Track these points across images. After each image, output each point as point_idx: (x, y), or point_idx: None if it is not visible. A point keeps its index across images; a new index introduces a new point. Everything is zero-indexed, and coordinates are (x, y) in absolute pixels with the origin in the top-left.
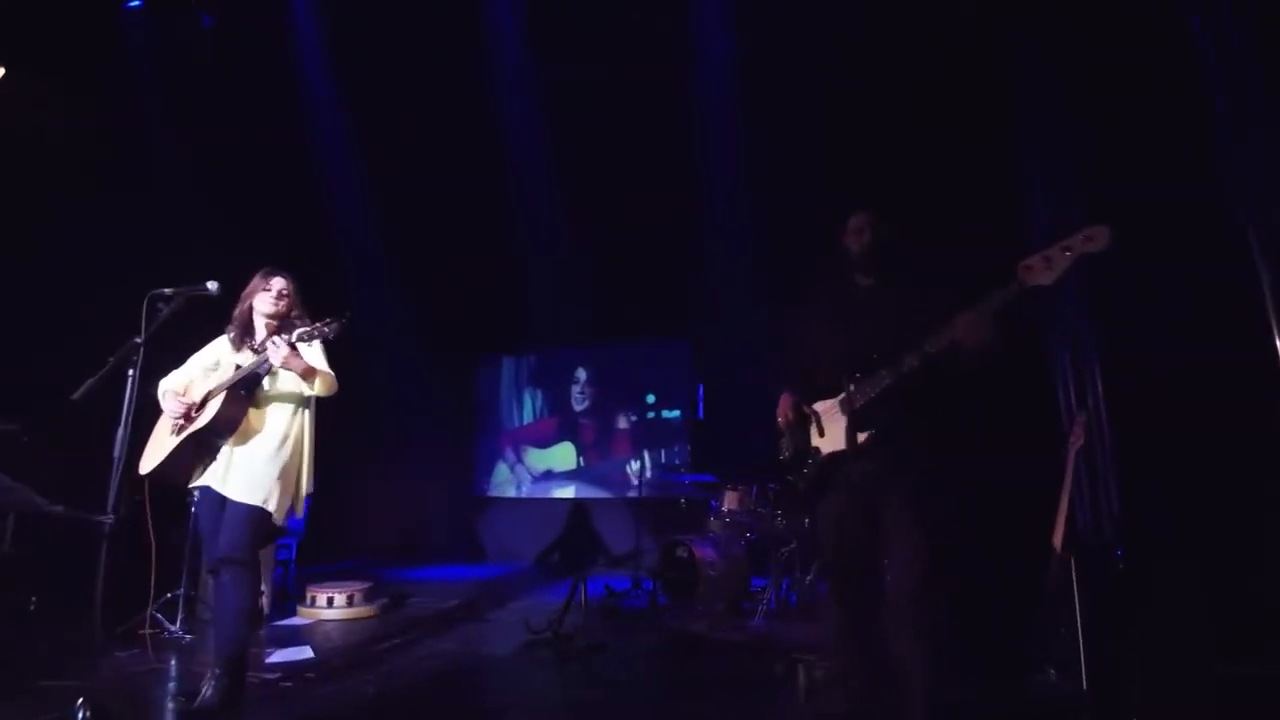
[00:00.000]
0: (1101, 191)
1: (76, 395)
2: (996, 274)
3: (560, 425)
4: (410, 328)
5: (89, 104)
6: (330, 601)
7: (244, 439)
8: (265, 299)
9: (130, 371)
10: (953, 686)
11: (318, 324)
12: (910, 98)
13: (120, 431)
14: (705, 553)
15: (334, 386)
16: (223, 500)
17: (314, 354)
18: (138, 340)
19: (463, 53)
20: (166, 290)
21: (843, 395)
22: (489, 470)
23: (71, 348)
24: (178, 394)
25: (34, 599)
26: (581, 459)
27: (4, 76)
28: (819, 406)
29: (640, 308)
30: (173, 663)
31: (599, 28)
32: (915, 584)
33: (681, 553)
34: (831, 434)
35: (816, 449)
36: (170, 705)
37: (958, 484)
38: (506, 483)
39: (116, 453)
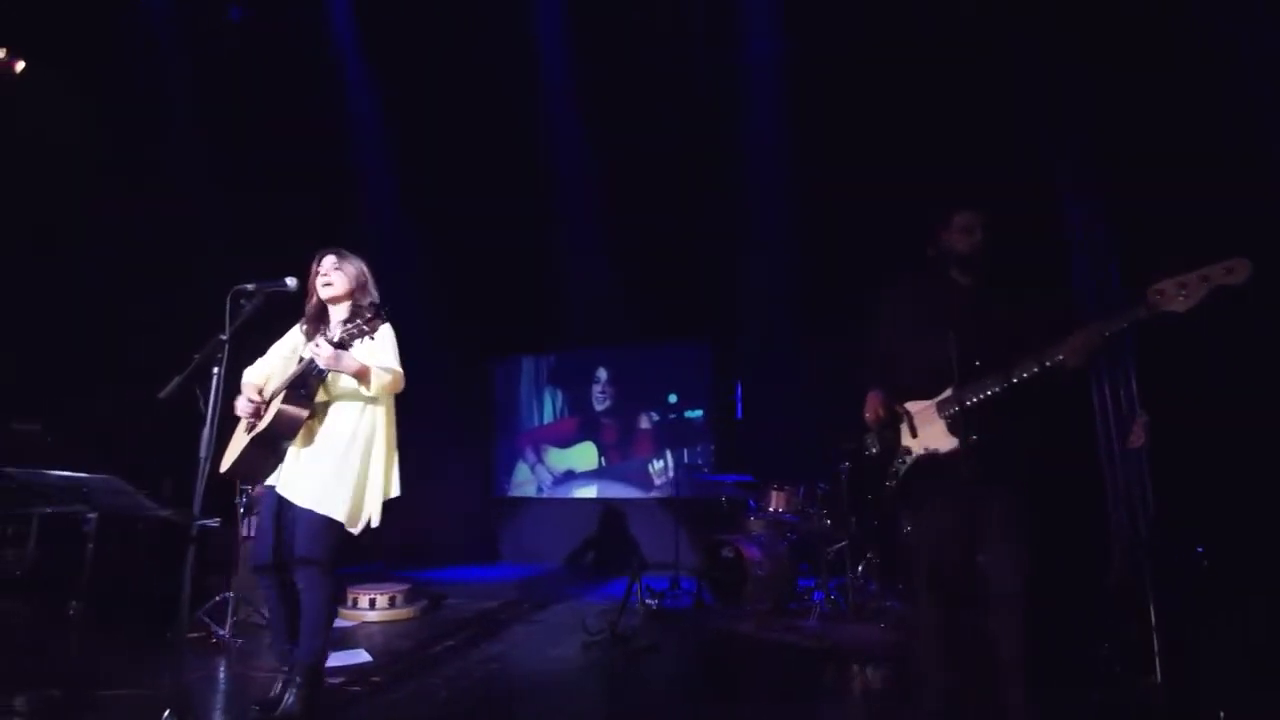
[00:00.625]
0: (1132, 192)
1: (163, 393)
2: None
3: (581, 425)
4: (427, 326)
5: (109, 99)
6: (373, 603)
7: (308, 441)
8: (318, 283)
9: (215, 370)
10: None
11: (356, 321)
12: (953, 108)
13: (205, 431)
14: (752, 552)
15: (395, 385)
16: (284, 503)
17: (375, 351)
18: (222, 337)
19: (496, 47)
20: (249, 286)
21: (942, 397)
22: (509, 470)
23: (103, 346)
24: (256, 388)
25: (74, 603)
26: (603, 459)
27: (24, 70)
28: (911, 407)
29: (661, 309)
30: (221, 668)
31: (640, 26)
32: (1017, 587)
33: (727, 552)
34: (926, 435)
35: (908, 449)
36: (248, 714)
37: (1054, 490)
38: (527, 483)
39: (202, 453)
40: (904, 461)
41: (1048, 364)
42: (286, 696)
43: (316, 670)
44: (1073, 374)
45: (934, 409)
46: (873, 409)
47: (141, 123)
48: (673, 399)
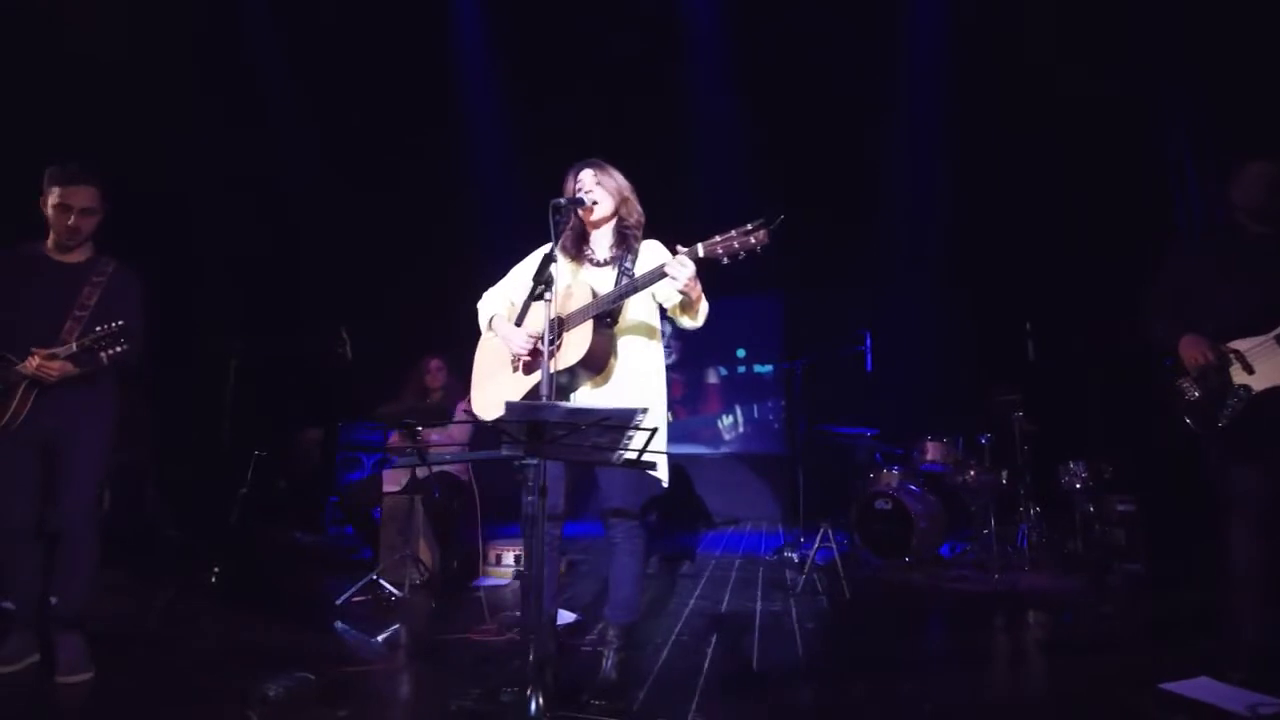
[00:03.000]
0: None
1: (517, 319)
2: None
3: None
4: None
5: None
6: (518, 560)
7: (607, 379)
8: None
9: (546, 295)
10: None
11: (736, 232)
12: None
13: (544, 368)
14: (914, 506)
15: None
16: None
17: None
18: (552, 255)
19: None
20: (561, 200)
21: (1277, 332)
22: None
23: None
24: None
25: (216, 570)
26: (669, 414)
27: None
28: (1240, 345)
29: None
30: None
31: None
32: None
33: (882, 504)
34: (1265, 370)
35: (1245, 386)
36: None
37: None
38: None
39: (544, 391)
40: (1239, 399)
41: None
42: (604, 663)
43: (631, 629)
44: None
45: (1273, 343)
46: (1200, 353)
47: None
48: (741, 354)
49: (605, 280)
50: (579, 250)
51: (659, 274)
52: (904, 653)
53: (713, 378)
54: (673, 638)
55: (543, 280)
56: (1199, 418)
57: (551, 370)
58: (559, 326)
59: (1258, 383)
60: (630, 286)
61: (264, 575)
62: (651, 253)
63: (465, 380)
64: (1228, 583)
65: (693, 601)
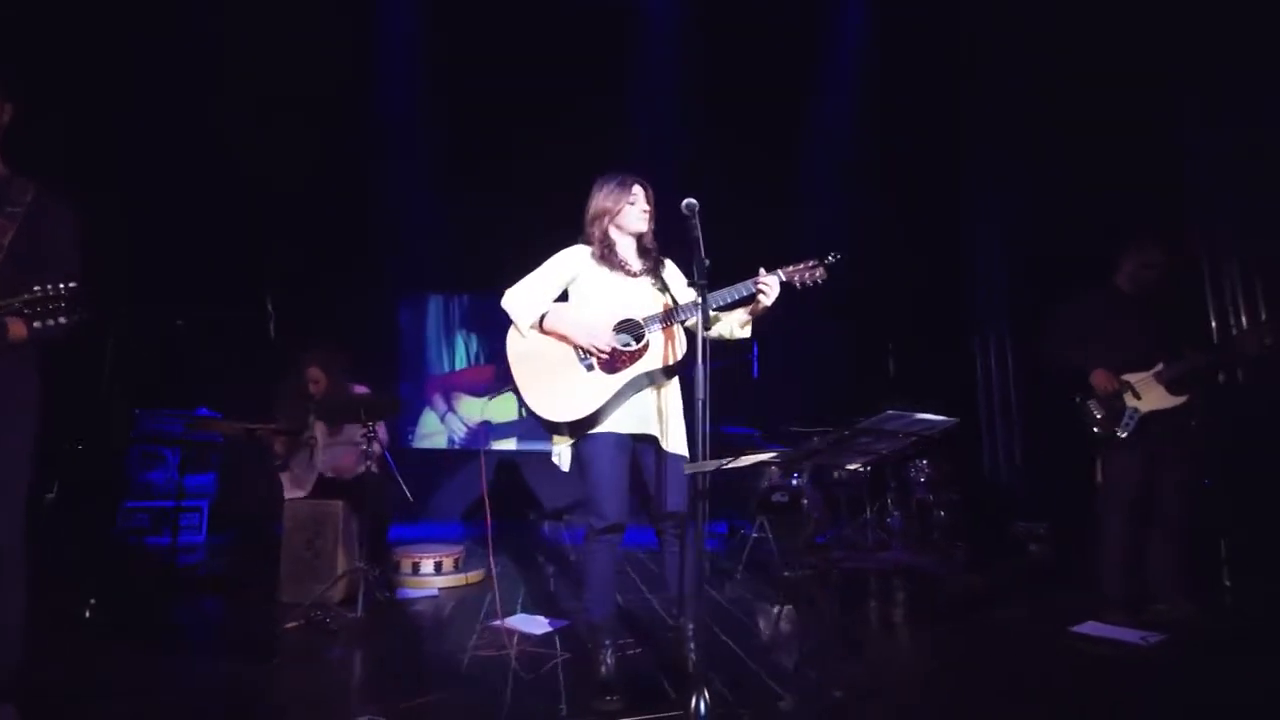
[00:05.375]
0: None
1: (693, 324)
2: None
3: (500, 373)
4: (328, 264)
5: None
6: (439, 567)
7: (670, 382)
8: (633, 215)
9: (698, 298)
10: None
11: (804, 265)
12: None
13: (700, 370)
14: (813, 497)
15: None
16: (639, 449)
17: (679, 282)
18: (702, 259)
19: None
20: (694, 202)
21: (1156, 369)
22: (414, 420)
23: None
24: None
25: (92, 602)
26: (524, 409)
27: None
28: (1131, 378)
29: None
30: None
31: None
32: (1190, 505)
33: (780, 497)
34: (1149, 398)
35: (1135, 409)
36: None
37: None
38: (437, 434)
39: (699, 394)
40: (1132, 419)
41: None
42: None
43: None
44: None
45: (1152, 378)
46: (1110, 381)
47: None
48: None
49: (646, 291)
50: (612, 259)
51: (749, 289)
52: (881, 622)
53: None
54: (644, 635)
55: (703, 283)
56: (1104, 430)
57: (651, 369)
58: (638, 328)
59: (1144, 406)
60: (725, 298)
61: (140, 602)
62: (674, 269)
63: (338, 373)
64: (1101, 550)
65: (654, 596)
